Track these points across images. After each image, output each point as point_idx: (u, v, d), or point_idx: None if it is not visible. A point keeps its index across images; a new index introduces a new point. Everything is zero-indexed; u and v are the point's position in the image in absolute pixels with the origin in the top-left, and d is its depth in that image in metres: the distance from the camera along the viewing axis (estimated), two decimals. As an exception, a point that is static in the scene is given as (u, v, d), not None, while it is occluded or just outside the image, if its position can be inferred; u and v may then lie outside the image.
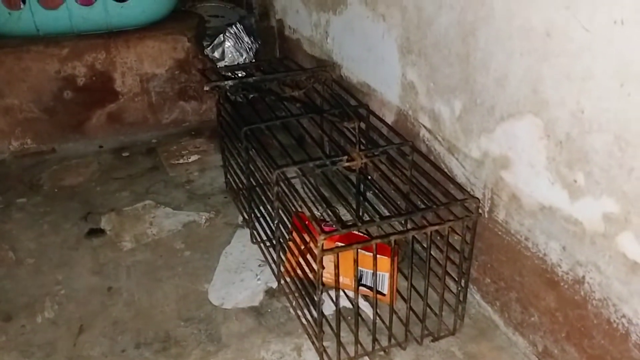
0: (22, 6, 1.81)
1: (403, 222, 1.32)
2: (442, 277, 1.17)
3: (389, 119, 1.50)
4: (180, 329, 1.29)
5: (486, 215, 1.22)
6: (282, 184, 1.21)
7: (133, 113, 2.05)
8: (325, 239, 1.03)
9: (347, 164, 1.24)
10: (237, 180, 1.62)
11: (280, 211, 1.27)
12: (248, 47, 2.33)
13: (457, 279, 1.21)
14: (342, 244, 1.11)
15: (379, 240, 1.07)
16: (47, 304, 1.36)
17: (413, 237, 1.10)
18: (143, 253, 1.52)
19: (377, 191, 1.29)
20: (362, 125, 1.40)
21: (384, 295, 1.29)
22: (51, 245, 1.56)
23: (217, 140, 1.99)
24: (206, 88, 1.56)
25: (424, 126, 1.37)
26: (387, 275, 1.28)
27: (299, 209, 1.23)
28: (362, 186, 1.44)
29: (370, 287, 1.27)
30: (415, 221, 1.23)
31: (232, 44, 2.30)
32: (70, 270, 1.47)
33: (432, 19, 1.25)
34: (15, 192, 1.79)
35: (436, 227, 1.10)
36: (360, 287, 1.24)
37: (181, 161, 1.94)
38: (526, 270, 1.15)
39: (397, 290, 1.29)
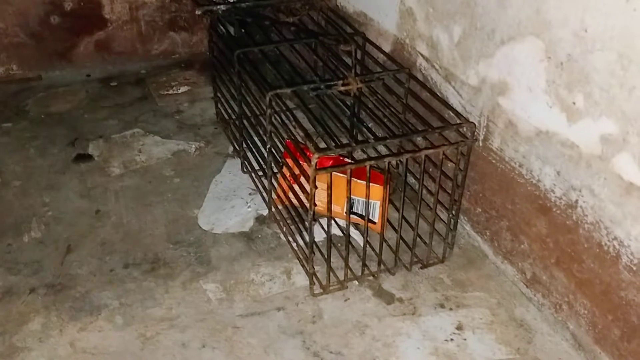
0: None
1: (397, 147, 1.30)
2: (434, 204, 1.17)
3: (386, 48, 1.47)
4: (170, 251, 1.28)
5: (480, 144, 1.21)
6: (275, 108, 1.19)
7: (122, 42, 1.99)
8: (319, 158, 1.01)
9: (342, 88, 1.21)
10: (228, 110, 1.59)
11: (273, 136, 1.25)
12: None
13: (448, 208, 1.21)
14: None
15: (372, 162, 1.05)
16: (34, 224, 1.35)
17: (407, 161, 1.09)
18: (132, 179, 1.50)
19: (371, 118, 1.27)
20: (358, 52, 1.37)
21: (374, 223, 1.28)
22: (38, 168, 1.53)
23: (208, 73, 1.95)
24: (198, 12, 1.51)
25: (421, 54, 1.34)
26: (378, 203, 1.27)
27: (292, 132, 1.20)
28: (356, 111, 1.42)
29: (362, 215, 1.26)
30: (409, 148, 1.21)
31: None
32: (58, 193, 1.45)
33: (434, -60, 1.22)
34: (0, 116, 1.75)
35: (431, 151, 1.08)
36: (352, 216, 1.23)
37: (170, 92, 1.90)
38: (518, 198, 1.14)
39: (388, 220, 1.29)
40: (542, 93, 1.02)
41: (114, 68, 2.01)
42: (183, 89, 1.92)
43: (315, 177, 1.03)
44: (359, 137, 1.47)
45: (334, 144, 1.23)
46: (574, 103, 0.96)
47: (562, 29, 0.96)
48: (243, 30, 1.55)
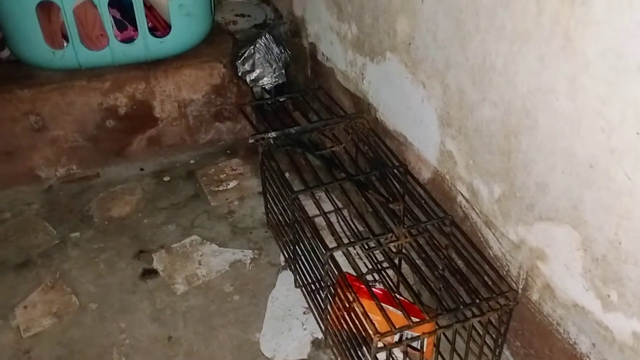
0: (65, 45, 1.86)
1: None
2: (479, 356, 1.29)
3: (426, 175, 1.58)
4: (239, 384, 1.44)
5: (520, 292, 1.33)
6: (331, 267, 1.31)
7: (171, 136, 2.12)
8: (380, 339, 1.14)
9: (392, 245, 1.33)
10: (278, 219, 1.72)
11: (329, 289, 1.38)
12: (277, 57, 2.36)
13: (492, 349, 1.34)
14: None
15: (426, 336, 1.18)
16: (115, 355, 1.50)
17: (456, 330, 1.21)
18: (196, 297, 1.65)
19: (416, 275, 1.38)
20: (402, 191, 1.48)
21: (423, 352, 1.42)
22: (110, 287, 1.68)
23: (252, 161, 2.08)
24: (251, 141, 1.63)
25: (461, 194, 1.45)
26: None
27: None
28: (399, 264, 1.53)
29: (412, 346, 1.40)
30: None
31: (262, 55, 2.33)
32: (131, 317, 1.60)
33: (474, 105, 1.31)
34: (68, 225, 1.89)
35: (478, 319, 1.21)
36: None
37: (221, 188, 2.03)
38: (556, 349, 1.26)
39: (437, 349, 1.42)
40: (578, 276, 1.14)
41: (164, 159, 2.14)
42: (232, 183, 2.05)
43: (376, 356, 1.16)
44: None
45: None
46: (609, 296, 1.08)
47: (597, 233, 1.06)
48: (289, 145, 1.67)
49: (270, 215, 1.81)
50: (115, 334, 1.56)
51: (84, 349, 1.52)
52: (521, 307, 1.33)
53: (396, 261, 1.50)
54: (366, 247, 1.33)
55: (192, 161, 2.16)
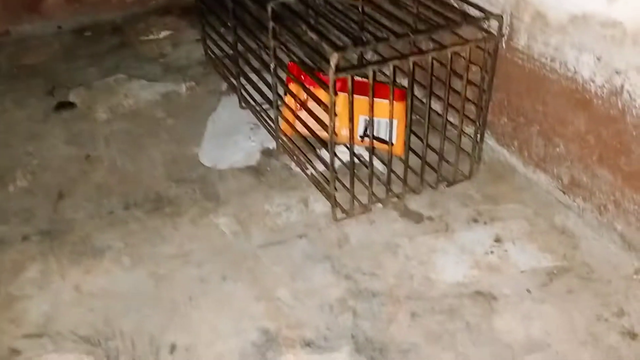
0: None
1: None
2: (461, 111, 1.07)
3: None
4: (172, 189, 1.18)
5: (504, 46, 1.12)
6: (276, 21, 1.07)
7: (94, -10, 1.85)
8: (338, 57, 0.91)
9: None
10: (219, 46, 1.47)
11: (277, 51, 1.14)
12: None
13: (473, 119, 1.12)
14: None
15: (397, 62, 0.95)
16: (19, 174, 1.22)
17: (432, 63, 0.99)
18: (121, 123, 1.39)
19: (383, 20, 1.15)
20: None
21: (392, 145, 1.19)
22: (16, 120, 1.40)
23: (189, 18, 1.83)
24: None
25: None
26: (396, 122, 1.17)
27: (302, 40, 1.08)
28: (364, 16, 1.30)
29: (379, 137, 1.17)
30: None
31: None
32: (41, 141, 1.32)
33: None
34: (-32, 73, 1.60)
35: (458, 48, 0.99)
36: (366, 139, 1.14)
37: (151, 37, 1.77)
38: (551, 96, 1.06)
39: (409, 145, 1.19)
40: (577, -29, 0.93)
41: (86, 19, 1.86)
42: (164, 33, 1.79)
43: (335, 81, 0.93)
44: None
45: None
46: (617, -26, 0.87)
47: None
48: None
49: (208, 42, 1.55)
50: (20, 157, 1.28)
51: (-22, 171, 1.24)
52: (506, 65, 1.12)
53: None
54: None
55: (118, 20, 1.88)
